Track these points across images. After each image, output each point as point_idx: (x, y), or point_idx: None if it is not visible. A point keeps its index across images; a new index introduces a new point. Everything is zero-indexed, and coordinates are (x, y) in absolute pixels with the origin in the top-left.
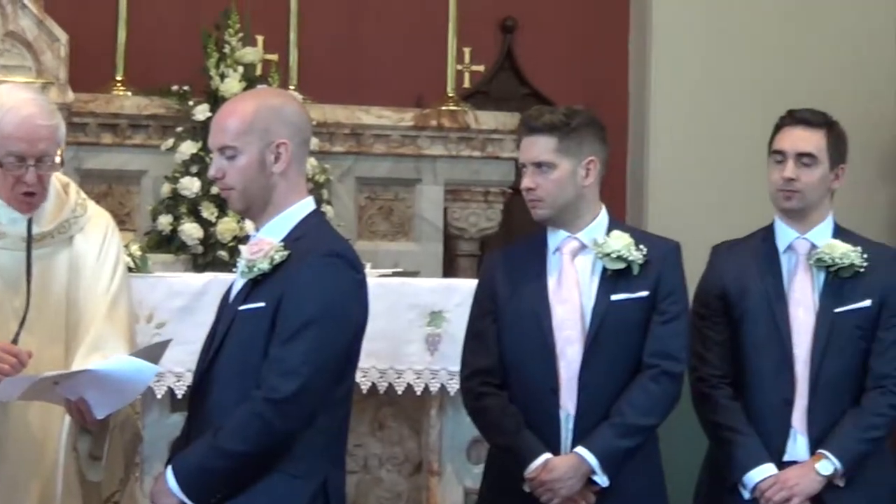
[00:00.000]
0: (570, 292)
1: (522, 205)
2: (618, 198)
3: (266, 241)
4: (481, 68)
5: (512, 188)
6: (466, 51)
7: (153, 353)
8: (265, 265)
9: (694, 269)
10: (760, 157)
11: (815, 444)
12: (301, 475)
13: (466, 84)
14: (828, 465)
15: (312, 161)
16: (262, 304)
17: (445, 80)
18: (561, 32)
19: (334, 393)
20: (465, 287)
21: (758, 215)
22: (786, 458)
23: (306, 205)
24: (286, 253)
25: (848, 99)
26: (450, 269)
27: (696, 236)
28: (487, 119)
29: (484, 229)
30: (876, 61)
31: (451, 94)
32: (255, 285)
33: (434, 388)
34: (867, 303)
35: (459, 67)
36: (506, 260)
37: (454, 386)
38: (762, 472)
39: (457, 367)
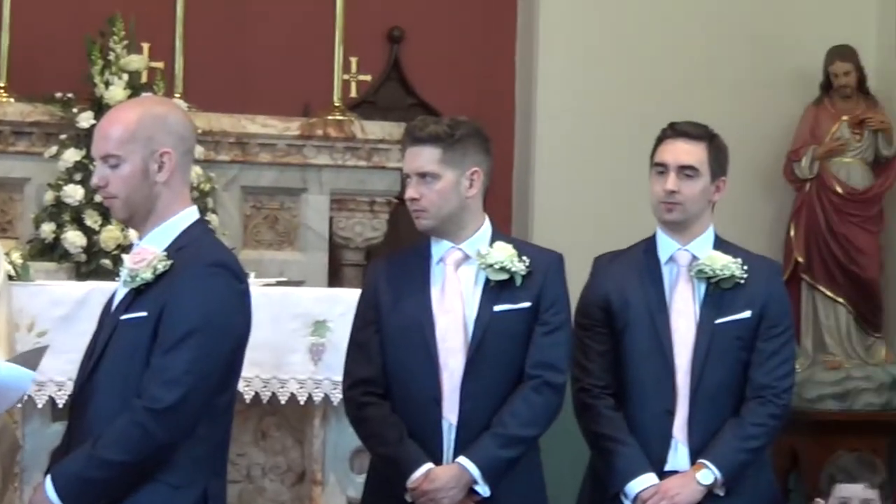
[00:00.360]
0: (453, 303)
1: (408, 215)
2: (503, 209)
3: (149, 251)
4: (368, 78)
5: (398, 198)
6: (353, 60)
7: (30, 359)
8: (148, 275)
9: (578, 280)
10: (644, 170)
11: (696, 453)
12: (181, 485)
13: (353, 94)
14: (708, 474)
15: (198, 170)
16: (144, 314)
17: (332, 90)
18: (448, 43)
19: (216, 403)
20: (349, 297)
21: (640, 227)
22: (667, 467)
23: (190, 214)
24: (169, 262)
25: (732, 113)
26: (335, 279)
27: (580, 247)
28: (373, 129)
29: (369, 239)
30: (761, 76)
31: (337, 104)
32: (137, 295)
33: (317, 397)
34: (747, 314)
35: (346, 77)
36: (389, 270)
37: (337, 395)
38: (643, 482)
39: (340, 377)
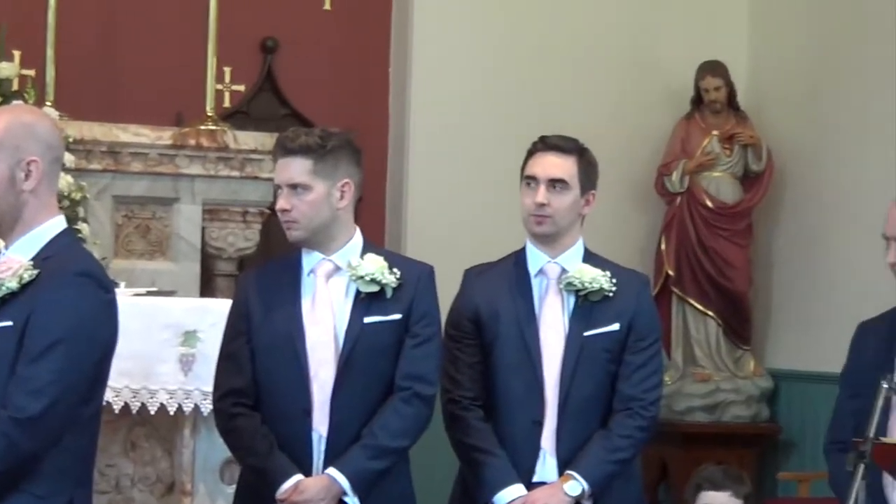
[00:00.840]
0: (324, 314)
1: (281, 225)
2: (377, 220)
3: (15, 260)
4: (241, 88)
5: (270, 208)
6: (227, 70)
7: None
8: (13, 284)
9: (449, 292)
10: (516, 182)
11: (564, 465)
12: (46, 495)
13: (226, 104)
14: (576, 485)
15: (69, 178)
16: (9, 323)
17: (204, 99)
18: (322, 54)
19: (82, 413)
20: (220, 307)
21: (511, 239)
22: (535, 478)
23: (57, 223)
24: (35, 272)
25: (604, 127)
26: (207, 289)
27: (452, 260)
28: (246, 139)
29: (242, 249)
30: (633, 90)
31: (210, 114)
32: (2, 304)
33: (187, 408)
34: (615, 327)
35: (219, 87)
36: (259, 281)
37: (207, 406)
38: (511, 493)
39: (210, 388)
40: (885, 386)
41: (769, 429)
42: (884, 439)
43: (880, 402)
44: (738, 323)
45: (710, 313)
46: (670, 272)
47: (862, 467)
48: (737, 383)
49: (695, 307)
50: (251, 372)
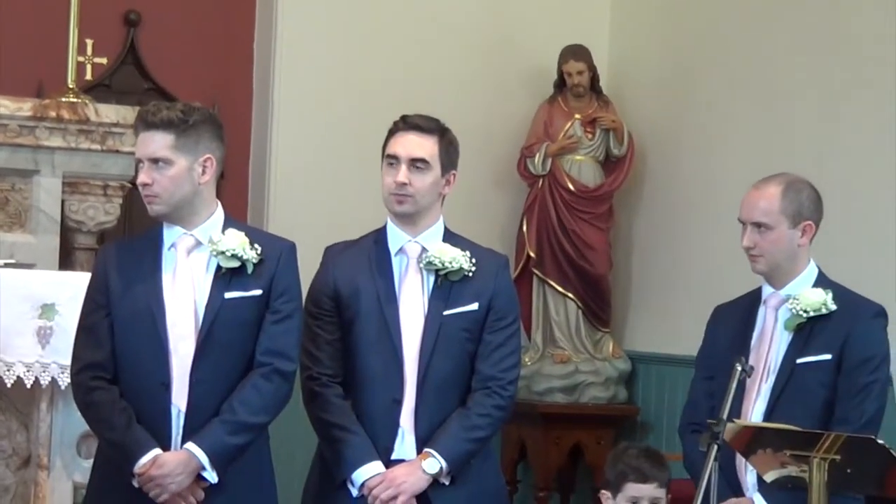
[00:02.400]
0: (184, 289)
1: (142, 200)
2: (240, 196)
3: None
4: (104, 61)
5: (132, 182)
6: (89, 42)
7: None
8: None
9: (310, 269)
10: (378, 161)
11: (422, 443)
12: None
13: (88, 76)
14: (434, 463)
15: None
16: None
17: (66, 72)
18: (185, 28)
19: None
20: (79, 280)
21: (373, 218)
22: (394, 456)
23: None
24: None
25: (468, 109)
26: (67, 263)
27: (314, 237)
28: (108, 112)
29: (102, 223)
30: (497, 73)
31: (71, 86)
32: None
33: (45, 381)
34: (474, 306)
35: (81, 59)
36: (120, 254)
37: (65, 379)
38: (370, 471)
39: (68, 361)
40: (739, 368)
41: (627, 410)
42: (737, 421)
43: (734, 384)
44: (598, 305)
45: (570, 295)
46: (531, 254)
47: (715, 448)
48: (595, 365)
49: (555, 289)
50: (110, 345)
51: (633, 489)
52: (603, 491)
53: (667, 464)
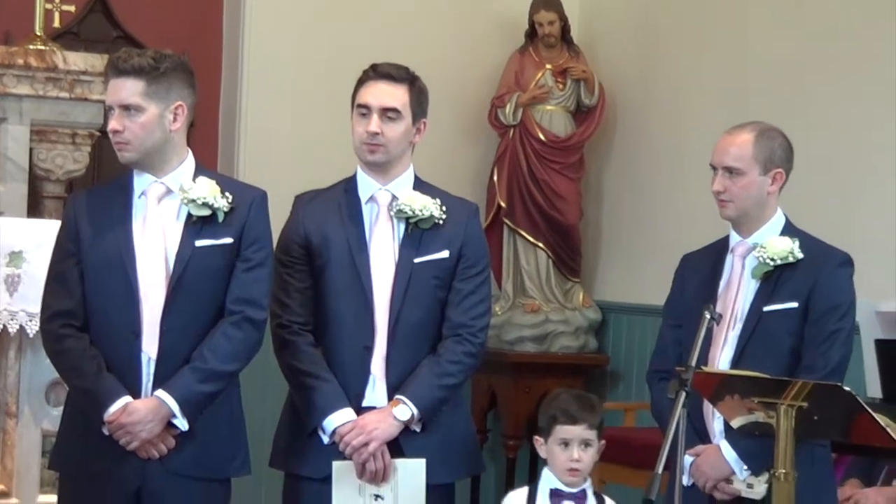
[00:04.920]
0: (155, 236)
1: (111, 148)
2: (210, 144)
3: None
4: (72, 8)
5: (100, 131)
6: None
7: None
8: None
9: (281, 217)
10: (349, 109)
11: (393, 390)
12: None
13: (56, 24)
14: (405, 410)
15: None
16: None
17: (34, 19)
18: None
19: None
20: (47, 228)
21: (343, 166)
22: (365, 403)
23: None
24: None
25: (439, 58)
26: (35, 211)
27: (285, 185)
28: (77, 60)
29: (71, 171)
30: (468, 22)
31: (39, 34)
32: None
33: (13, 329)
34: (445, 254)
35: (49, 6)
36: (89, 202)
37: (34, 327)
38: (341, 418)
39: (37, 309)
40: (707, 316)
41: (596, 359)
42: (705, 368)
43: (702, 332)
44: (568, 255)
45: (540, 245)
46: (502, 203)
47: (683, 395)
48: (566, 314)
49: (526, 239)
50: (80, 293)
51: (562, 431)
52: (536, 437)
53: (598, 407)
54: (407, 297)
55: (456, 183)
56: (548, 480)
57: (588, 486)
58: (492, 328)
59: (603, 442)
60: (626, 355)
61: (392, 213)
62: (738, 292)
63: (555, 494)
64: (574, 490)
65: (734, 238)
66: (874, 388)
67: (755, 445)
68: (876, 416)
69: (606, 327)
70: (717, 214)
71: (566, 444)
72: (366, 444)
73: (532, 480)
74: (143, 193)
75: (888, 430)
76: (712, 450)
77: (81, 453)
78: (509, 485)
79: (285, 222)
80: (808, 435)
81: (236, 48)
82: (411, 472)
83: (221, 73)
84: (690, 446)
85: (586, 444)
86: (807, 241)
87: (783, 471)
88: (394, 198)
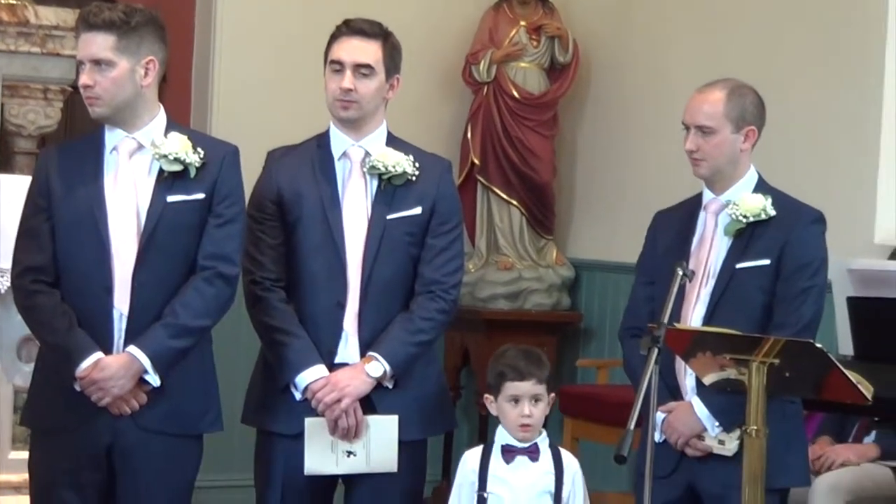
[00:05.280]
0: (126, 192)
1: (83, 103)
2: (183, 100)
3: None
4: None
5: (72, 86)
6: None
7: None
8: None
9: (253, 173)
10: (322, 66)
11: (366, 346)
12: None
13: None
14: (377, 366)
15: None
16: None
17: None
18: None
19: None
20: (18, 184)
21: (316, 123)
22: (337, 360)
23: None
24: None
25: (413, 14)
26: (7, 167)
27: (257, 141)
28: (48, 14)
29: (43, 127)
30: None
31: None
32: None
33: None
34: (417, 210)
35: None
36: (61, 157)
37: (4, 283)
38: (313, 374)
39: (7, 265)
40: (680, 272)
41: (570, 317)
42: (677, 325)
43: (675, 289)
44: (542, 212)
45: (514, 202)
46: (475, 161)
47: (655, 352)
48: (539, 272)
49: (499, 196)
50: (51, 249)
51: (511, 388)
52: (486, 395)
53: (546, 362)
54: (379, 253)
55: (430, 140)
56: (501, 437)
57: (541, 439)
58: (465, 286)
59: (553, 395)
60: (600, 313)
61: (365, 170)
62: (710, 249)
63: (507, 450)
64: (526, 444)
65: (707, 195)
66: (846, 346)
67: (727, 402)
68: (847, 372)
69: (580, 285)
70: (691, 172)
71: (516, 400)
72: (338, 401)
73: None
74: (114, 149)
75: (859, 386)
76: (684, 406)
77: (53, 409)
78: (482, 442)
79: (258, 178)
80: (779, 391)
81: (209, 3)
82: (383, 429)
83: (194, 28)
84: (662, 403)
85: (536, 399)
86: (779, 199)
87: (755, 427)
88: (367, 154)
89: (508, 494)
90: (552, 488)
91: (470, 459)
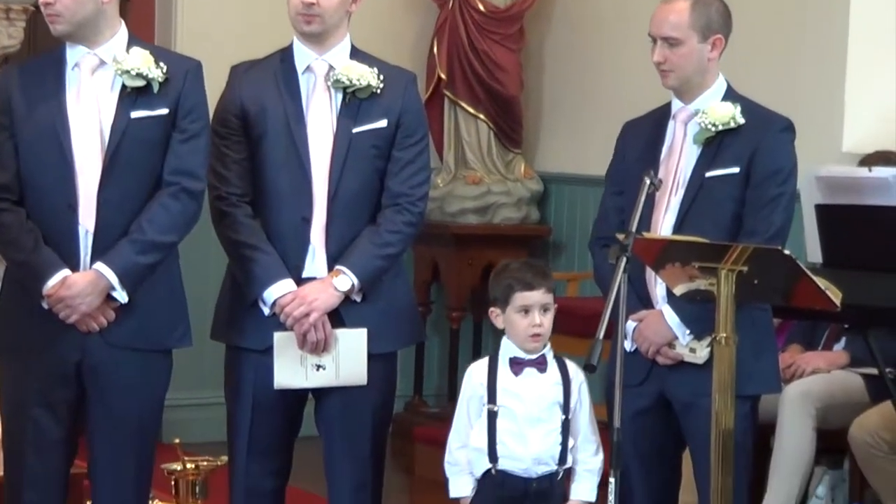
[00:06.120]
0: (89, 109)
1: (45, 22)
2: (146, 17)
3: None
4: None
5: (34, 6)
6: None
7: None
8: None
9: (217, 88)
10: None
11: (333, 260)
12: None
13: None
14: (345, 280)
15: None
16: None
17: None
18: None
19: None
20: None
21: (279, 37)
22: (304, 274)
23: None
24: None
25: None
26: None
27: (221, 57)
28: None
29: (6, 47)
30: None
31: None
32: None
33: None
34: (383, 123)
35: None
36: (22, 75)
37: None
38: (281, 289)
39: None
40: (648, 181)
41: (539, 230)
42: (646, 234)
43: (643, 197)
44: (509, 126)
45: (481, 116)
46: (442, 75)
47: (624, 261)
48: (507, 186)
49: (466, 110)
50: (15, 167)
51: (522, 298)
52: (492, 309)
53: (549, 272)
54: (345, 167)
55: (395, 55)
56: (507, 349)
57: (547, 350)
58: (434, 200)
59: (556, 305)
60: (569, 226)
61: (329, 83)
62: (680, 158)
63: (515, 363)
64: (534, 356)
65: (676, 104)
66: (814, 254)
67: (697, 310)
68: (816, 279)
69: (548, 198)
70: (660, 83)
71: (526, 310)
72: (306, 315)
73: (476, 352)
74: (76, 65)
75: (828, 292)
76: (655, 315)
77: (21, 327)
78: (453, 356)
79: (221, 93)
80: (748, 299)
81: None
82: (352, 342)
83: None
84: (633, 312)
85: (545, 308)
86: (748, 107)
87: (724, 335)
88: (331, 68)
89: (519, 406)
90: (561, 399)
91: (476, 373)
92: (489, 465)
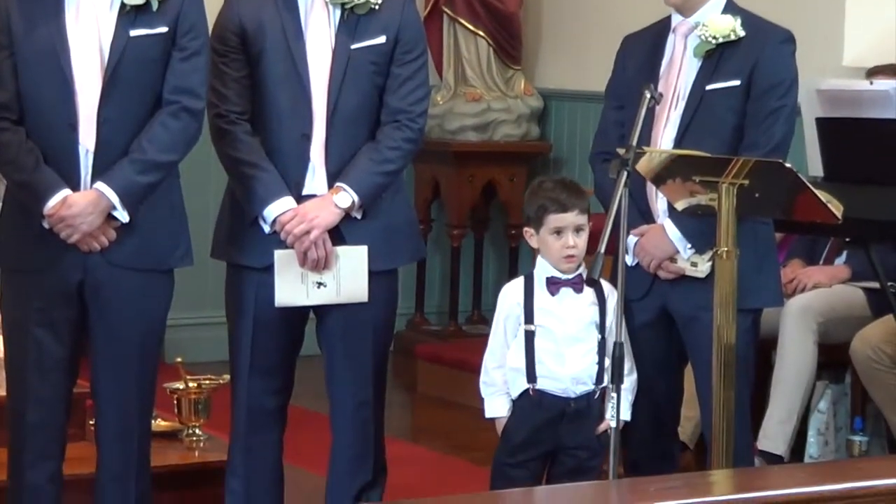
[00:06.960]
0: (88, 27)
1: None
2: None
3: None
4: None
5: None
6: None
7: None
8: None
9: (216, 5)
10: None
11: (333, 177)
12: None
13: None
14: (345, 197)
15: None
16: None
17: None
18: None
19: None
20: None
21: None
22: (305, 191)
23: None
24: None
25: None
26: None
27: None
28: None
29: None
30: None
31: None
32: None
33: None
34: (381, 39)
35: None
36: None
37: None
38: (281, 206)
39: None
40: (648, 95)
41: (539, 147)
42: (647, 148)
43: (643, 111)
44: (509, 43)
45: (480, 33)
46: None
47: (625, 175)
48: (507, 102)
49: (465, 27)
50: (14, 87)
51: (554, 220)
52: (526, 228)
53: (584, 191)
54: (344, 83)
55: None
56: (543, 269)
57: (583, 270)
58: (433, 118)
59: (591, 223)
60: (569, 142)
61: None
62: (680, 71)
63: (552, 282)
64: (571, 276)
65: (676, 18)
66: (815, 167)
67: (699, 224)
68: (817, 191)
69: (548, 114)
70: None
71: (559, 232)
72: (307, 232)
73: (477, 269)
74: None
75: (829, 205)
76: (656, 229)
77: (22, 248)
78: (454, 274)
79: (219, 11)
80: (749, 213)
81: None
82: (353, 259)
83: None
84: (634, 226)
85: (579, 229)
86: (749, 19)
87: (725, 249)
88: None
89: (558, 326)
90: (597, 319)
91: (511, 293)
92: (527, 386)
